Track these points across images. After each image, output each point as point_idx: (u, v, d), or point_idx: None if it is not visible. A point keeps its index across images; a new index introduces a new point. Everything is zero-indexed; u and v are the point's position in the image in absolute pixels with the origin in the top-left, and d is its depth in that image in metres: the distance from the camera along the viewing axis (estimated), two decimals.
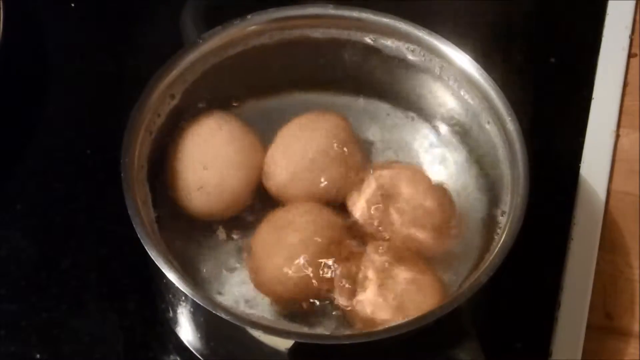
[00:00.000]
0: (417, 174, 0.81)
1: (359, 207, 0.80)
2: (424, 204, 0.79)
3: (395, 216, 0.78)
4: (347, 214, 0.80)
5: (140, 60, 0.97)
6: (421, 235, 0.78)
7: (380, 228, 0.79)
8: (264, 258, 0.77)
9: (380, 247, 0.78)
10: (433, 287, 0.76)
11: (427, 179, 0.81)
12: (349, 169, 0.81)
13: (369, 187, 0.80)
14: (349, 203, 0.80)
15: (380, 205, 0.79)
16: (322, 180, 0.80)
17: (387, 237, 0.78)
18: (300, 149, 0.81)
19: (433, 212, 0.79)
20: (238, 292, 0.79)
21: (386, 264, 0.76)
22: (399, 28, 0.85)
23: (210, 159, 0.81)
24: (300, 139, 0.82)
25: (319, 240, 0.77)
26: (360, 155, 0.82)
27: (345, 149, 0.81)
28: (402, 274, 0.76)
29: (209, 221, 0.81)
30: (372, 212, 0.79)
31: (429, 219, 0.78)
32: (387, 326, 0.74)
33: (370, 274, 0.76)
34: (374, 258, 0.77)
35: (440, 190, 0.80)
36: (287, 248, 0.77)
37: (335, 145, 0.81)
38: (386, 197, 0.79)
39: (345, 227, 0.79)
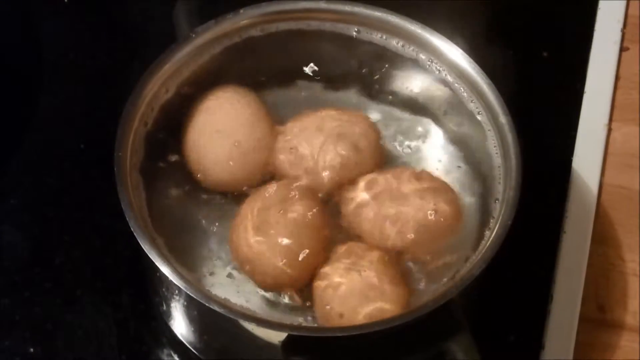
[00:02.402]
0: (422, 175, 0.81)
1: (351, 206, 0.80)
2: (422, 213, 0.78)
3: (387, 219, 0.78)
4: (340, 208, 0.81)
5: (134, 54, 0.97)
6: (416, 240, 0.78)
7: (366, 229, 0.79)
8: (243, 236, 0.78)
9: (358, 248, 0.78)
10: (393, 298, 0.75)
11: (431, 181, 0.80)
12: (360, 171, 0.81)
13: (364, 189, 0.80)
14: (343, 200, 0.81)
15: (370, 207, 0.79)
16: (333, 175, 0.81)
17: (369, 239, 0.78)
18: (323, 140, 0.81)
19: (433, 219, 0.78)
20: (232, 284, 0.79)
21: (355, 266, 0.76)
22: (392, 22, 0.85)
23: (228, 132, 0.81)
24: (326, 128, 0.82)
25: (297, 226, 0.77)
26: (375, 163, 0.83)
27: (366, 153, 0.82)
28: (369, 280, 0.76)
29: (203, 215, 0.81)
30: (360, 212, 0.79)
31: (428, 227, 0.78)
32: (380, 319, 0.74)
33: (336, 272, 0.76)
34: (346, 256, 0.77)
35: (446, 195, 0.80)
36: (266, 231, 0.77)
37: (358, 147, 0.81)
38: (381, 199, 0.79)
39: (330, 221, 0.79)
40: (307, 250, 0.76)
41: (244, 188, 0.81)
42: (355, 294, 0.75)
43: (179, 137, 0.82)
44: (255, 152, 0.81)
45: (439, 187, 0.80)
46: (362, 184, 0.80)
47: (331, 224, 0.79)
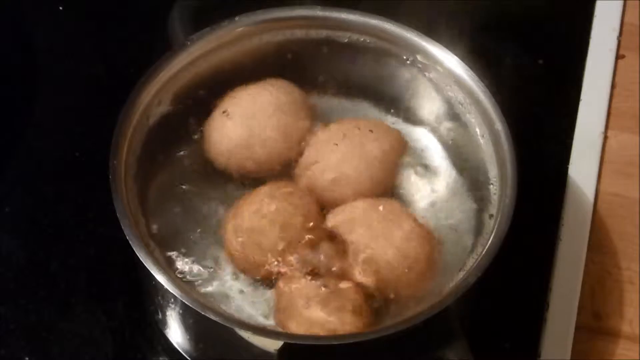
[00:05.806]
0: (402, 213, 0.80)
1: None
2: (399, 249, 0.77)
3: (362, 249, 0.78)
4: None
5: (129, 62, 0.97)
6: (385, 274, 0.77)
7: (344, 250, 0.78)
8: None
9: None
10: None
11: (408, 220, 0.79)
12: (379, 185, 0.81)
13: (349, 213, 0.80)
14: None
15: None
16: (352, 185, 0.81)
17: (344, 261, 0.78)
18: (351, 150, 0.81)
19: (408, 258, 0.77)
20: (229, 291, 0.78)
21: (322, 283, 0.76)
22: (387, 29, 0.85)
23: (257, 122, 0.81)
24: (357, 138, 0.82)
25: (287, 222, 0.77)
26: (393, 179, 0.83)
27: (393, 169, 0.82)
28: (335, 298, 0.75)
29: (199, 222, 0.81)
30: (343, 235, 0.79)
31: (400, 263, 0.77)
32: (376, 327, 0.74)
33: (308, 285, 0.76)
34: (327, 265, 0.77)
35: (420, 234, 0.79)
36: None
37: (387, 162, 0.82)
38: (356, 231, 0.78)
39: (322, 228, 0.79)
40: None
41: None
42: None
43: (176, 143, 0.82)
44: (283, 142, 0.82)
45: (420, 234, 0.79)
46: (341, 208, 0.80)
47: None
